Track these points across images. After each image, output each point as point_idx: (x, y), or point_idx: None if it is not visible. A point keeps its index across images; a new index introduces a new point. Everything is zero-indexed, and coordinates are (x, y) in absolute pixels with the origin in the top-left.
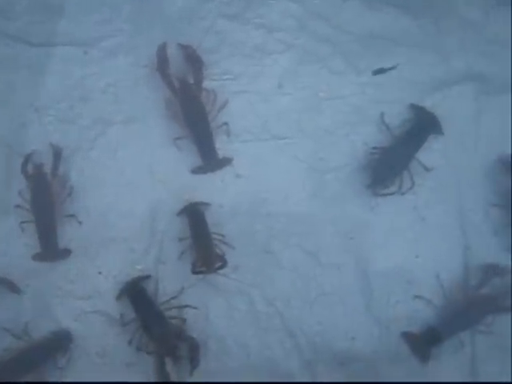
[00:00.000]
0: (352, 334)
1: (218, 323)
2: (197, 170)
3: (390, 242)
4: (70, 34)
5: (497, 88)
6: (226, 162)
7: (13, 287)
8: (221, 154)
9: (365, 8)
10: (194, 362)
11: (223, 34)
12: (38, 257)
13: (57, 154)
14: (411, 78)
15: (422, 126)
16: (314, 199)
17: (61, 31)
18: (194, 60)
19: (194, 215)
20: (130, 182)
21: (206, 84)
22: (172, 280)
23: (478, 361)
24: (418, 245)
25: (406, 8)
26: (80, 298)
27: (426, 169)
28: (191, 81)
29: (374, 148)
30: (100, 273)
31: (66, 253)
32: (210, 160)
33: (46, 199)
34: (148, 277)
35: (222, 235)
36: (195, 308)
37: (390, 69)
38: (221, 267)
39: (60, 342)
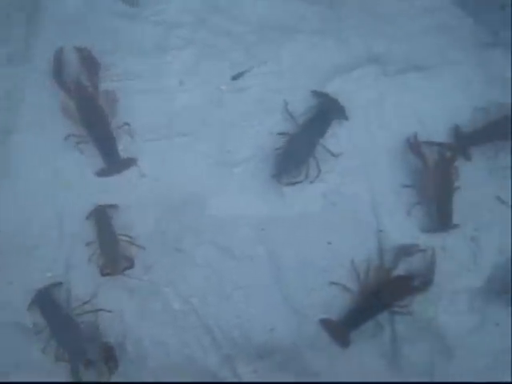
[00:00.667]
0: (270, 326)
1: (134, 325)
2: (101, 173)
3: (302, 231)
4: None
5: (397, 69)
6: (131, 162)
7: None
8: (125, 154)
9: None
10: (110, 364)
11: (121, 33)
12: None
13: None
14: (312, 65)
15: (326, 112)
16: (224, 193)
17: None
18: (88, 62)
19: (100, 218)
20: (35, 188)
21: (107, 85)
22: (84, 284)
23: (399, 341)
24: (329, 231)
25: None
26: None
27: (333, 155)
28: (87, 83)
29: (279, 136)
30: (10, 283)
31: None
32: (112, 162)
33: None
34: (59, 284)
35: (130, 236)
36: (109, 311)
37: (246, 71)
38: (127, 268)
39: None
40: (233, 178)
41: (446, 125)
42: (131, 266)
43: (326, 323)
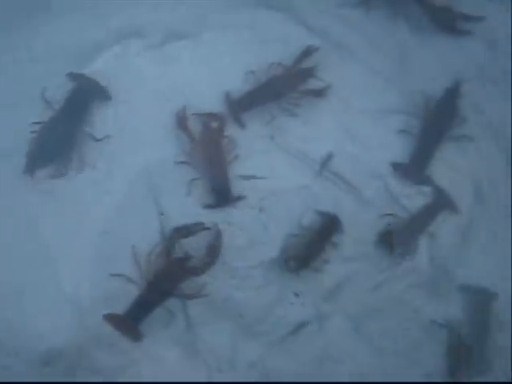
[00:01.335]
0: (51, 330)
1: None
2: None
3: (73, 222)
4: None
5: (159, 40)
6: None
7: None
8: None
9: None
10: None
11: None
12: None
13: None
14: (69, 46)
15: (83, 93)
16: None
17: None
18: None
19: None
20: None
21: None
22: None
23: (195, 326)
24: (106, 221)
25: None
26: None
27: (96, 139)
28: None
29: (34, 125)
30: None
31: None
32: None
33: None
34: None
35: None
36: None
37: None
38: None
39: None
40: None
41: (218, 93)
42: None
43: (110, 318)
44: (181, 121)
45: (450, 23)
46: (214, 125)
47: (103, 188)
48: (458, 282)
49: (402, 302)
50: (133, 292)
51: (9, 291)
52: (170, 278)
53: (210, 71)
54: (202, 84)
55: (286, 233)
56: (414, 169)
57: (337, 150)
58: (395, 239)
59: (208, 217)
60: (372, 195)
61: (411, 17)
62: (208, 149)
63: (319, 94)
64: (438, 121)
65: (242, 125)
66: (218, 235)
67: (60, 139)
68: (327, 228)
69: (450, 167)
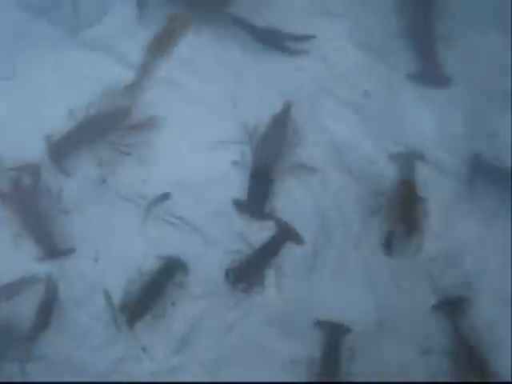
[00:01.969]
0: None
1: None
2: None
3: None
4: None
5: None
6: None
7: None
8: None
9: None
10: None
11: None
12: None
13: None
14: None
15: None
16: None
17: None
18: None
19: None
20: None
21: None
22: None
23: None
24: None
25: None
26: None
27: None
28: None
29: None
30: None
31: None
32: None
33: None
34: None
35: None
36: None
37: None
38: None
39: None
40: None
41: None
42: None
43: None
44: None
45: (277, 44)
46: (28, 178)
47: None
48: (311, 316)
49: (256, 344)
50: None
51: None
52: None
53: (28, 114)
54: (20, 129)
55: (126, 279)
56: (253, 205)
57: (175, 189)
58: (238, 275)
59: (42, 270)
60: (216, 234)
61: (242, 41)
62: (22, 205)
63: (146, 128)
64: (269, 147)
65: (65, 172)
66: (51, 288)
67: None
68: (167, 269)
69: (292, 196)
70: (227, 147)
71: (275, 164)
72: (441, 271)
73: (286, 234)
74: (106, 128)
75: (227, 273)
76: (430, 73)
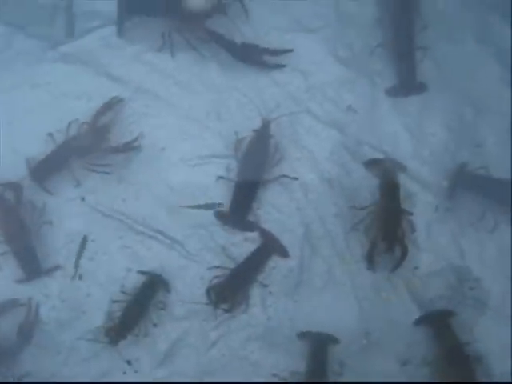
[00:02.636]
0: None
1: None
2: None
3: None
4: None
5: None
6: None
7: None
8: None
9: None
10: None
11: None
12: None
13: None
14: None
15: None
16: None
17: None
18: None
19: None
20: None
21: None
22: None
23: None
24: None
25: None
26: None
27: None
28: None
29: None
30: None
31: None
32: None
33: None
34: None
35: None
36: None
37: None
38: None
39: None
40: None
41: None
42: None
43: None
44: None
45: (256, 59)
46: (10, 195)
47: None
48: (296, 329)
49: (239, 357)
50: None
51: None
52: None
53: (7, 136)
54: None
55: (110, 297)
56: (236, 215)
57: (157, 204)
58: (220, 294)
59: (24, 292)
60: (197, 247)
61: (220, 57)
62: (5, 222)
63: (125, 149)
64: (251, 162)
65: (47, 191)
66: (31, 311)
67: None
68: (149, 289)
69: (276, 209)
70: (210, 162)
71: (259, 177)
72: (424, 283)
73: (270, 246)
74: (85, 150)
75: (208, 292)
76: (407, 84)
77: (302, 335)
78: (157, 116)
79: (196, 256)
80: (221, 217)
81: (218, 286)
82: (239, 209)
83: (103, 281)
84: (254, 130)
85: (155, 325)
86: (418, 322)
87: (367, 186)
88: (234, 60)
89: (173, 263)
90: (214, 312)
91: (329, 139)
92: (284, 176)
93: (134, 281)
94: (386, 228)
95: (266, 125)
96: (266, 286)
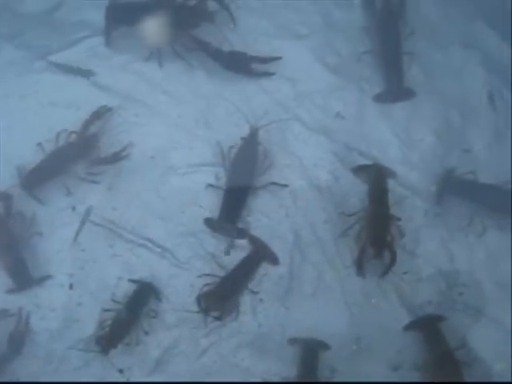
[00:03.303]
0: None
1: None
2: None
3: None
4: None
5: None
6: None
7: None
8: None
9: None
10: None
11: None
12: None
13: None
14: None
15: None
16: None
17: None
18: None
19: None
20: None
21: None
22: None
23: None
24: None
25: None
26: None
27: None
28: None
29: None
30: None
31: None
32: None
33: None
34: None
35: None
36: None
37: None
38: None
39: None
40: None
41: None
42: None
43: None
44: None
45: (243, 67)
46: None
47: None
48: (286, 336)
49: (230, 364)
50: None
51: None
52: None
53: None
54: None
55: (101, 306)
56: (225, 222)
57: (147, 213)
58: (210, 302)
59: (14, 301)
60: (187, 255)
61: (208, 65)
62: None
63: (114, 159)
64: (240, 170)
65: (38, 200)
66: (22, 321)
67: None
68: (140, 297)
69: (266, 216)
70: (199, 170)
71: (249, 184)
72: (413, 289)
73: (260, 253)
74: (74, 159)
75: (199, 300)
76: (395, 90)
77: (293, 341)
78: (146, 125)
79: (186, 264)
80: (210, 224)
81: (208, 294)
82: (229, 216)
83: (94, 289)
84: (242, 138)
85: (146, 333)
86: (408, 328)
87: (356, 192)
88: (221, 68)
89: (163, 271)
90: (205, 320)
91: (317, 146)
92: (273, 183)
93: (125, 289)
94: (375, 234)
95: (254, 132)
96: (256, 293)
